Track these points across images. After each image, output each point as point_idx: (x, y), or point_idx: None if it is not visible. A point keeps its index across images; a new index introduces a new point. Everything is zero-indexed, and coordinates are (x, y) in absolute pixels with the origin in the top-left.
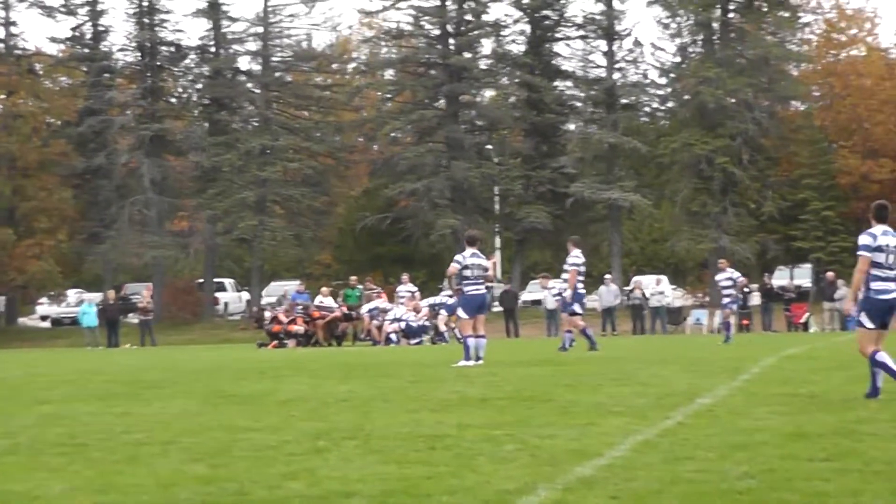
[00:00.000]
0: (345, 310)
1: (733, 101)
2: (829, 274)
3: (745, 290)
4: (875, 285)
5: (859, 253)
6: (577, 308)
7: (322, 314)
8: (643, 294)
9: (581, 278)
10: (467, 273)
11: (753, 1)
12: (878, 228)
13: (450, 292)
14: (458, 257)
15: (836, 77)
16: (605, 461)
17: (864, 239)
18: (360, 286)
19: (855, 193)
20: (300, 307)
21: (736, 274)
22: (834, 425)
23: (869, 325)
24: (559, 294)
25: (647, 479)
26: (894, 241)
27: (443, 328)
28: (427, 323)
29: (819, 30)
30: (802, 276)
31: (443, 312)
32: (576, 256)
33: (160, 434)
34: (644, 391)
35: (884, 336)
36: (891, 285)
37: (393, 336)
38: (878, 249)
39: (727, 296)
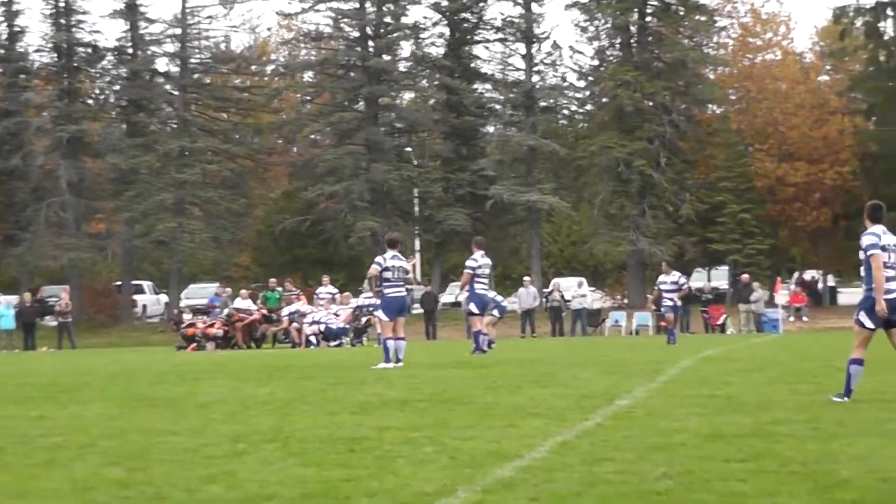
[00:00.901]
0: (265, 312)
1: (651, 104)
2: (745, 276)
3: (708, 293)
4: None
5: (872, 252)
6: (473, 308)
7: (241, 316)
8: (562, 296)
9: (484, 280)
10: (388, 275)
11: (670, 5)
12: (878, 228)
13: (370, 294)
14: (378, 259)
15: (752, 80)
16: (525, 463)
17: (870, 239)
18: (280, 288)
19: (771, 196)
20: (224, 313)
21: (683, 279)
22: (751, 426)
23: (868, 324)
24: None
25: (566, 481)
26: (894, 239)
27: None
28: (347, 325)
29: (735, 34)
30: (719, 278)
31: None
32: (473, 259)
33: (77, 438)
34: (564, 393)
35: None
36: (893, 284)
37: (312, 338)
38: (883, 248)
39: (671, 298)
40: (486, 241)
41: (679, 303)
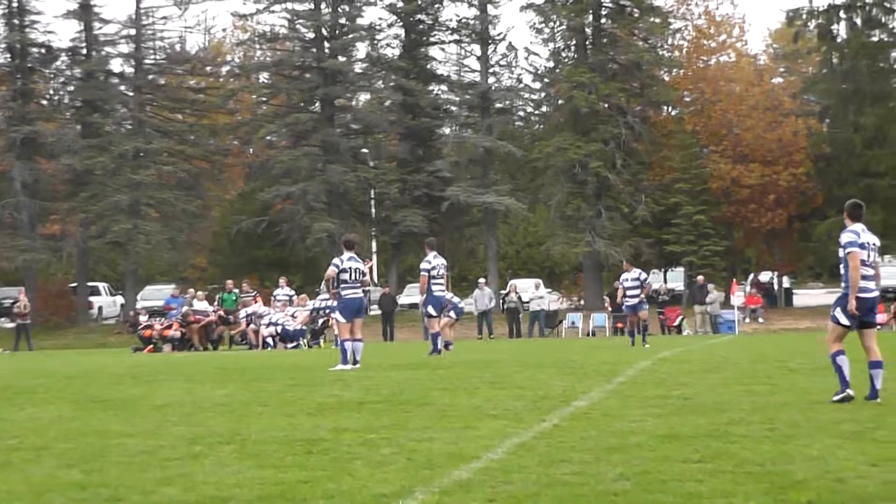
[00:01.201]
0: (221, 313)
1: (606, 105)
2: (699, 277)
3: (664, 295)
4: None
5: (850, 250)
6: (430, 310)
7: (197, 318)
8: (519, 297)
9: (440, 281)
10: (345, 276)
11: (625, 7)
12: (857, 226)
13: (327, 296)
14: (335, 261)
15: (706, 82)
16: (482, 464)
17: (849, 237)
18: (237, 290)
19: (726, 198)
20: (177, 313)
21: (644, 275)
22: (706, 427)
23: (844, 321)
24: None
25: (523, 482)
26: (872, 238)
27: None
28: (304, 327)
29: (689, 36)
30: (675, 280)
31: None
32: (427, 261)
33: (33, 440)
34: (520, 394)
35: (872, 335)
36: (871, 284)
37: (269, 340)
38: (862, 246)
39: (633, 296)
40: (438, 241)
41: (644, 298)
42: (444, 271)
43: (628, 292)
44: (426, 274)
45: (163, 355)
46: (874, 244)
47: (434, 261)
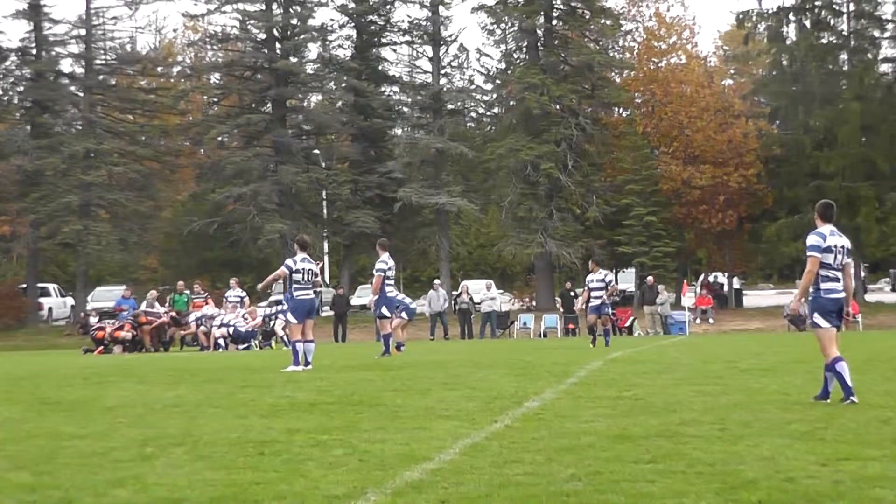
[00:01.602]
0: (173, 314)
1: (558, 107)
2: (650, 278)
3: (615, 295)
4: (824, 286)
5: (809, 254)
6: (384, 311)
7: (149, 320)
8: (471, 298)
9: (391, 282)
10: (297, 277)
11: (576, 9)
12: (825, 228)
13: (280, 297)
14: (288, 261)
15: (657, 84)
16: (435, 465)
17: (813, 239)
18: (188, 291)
19: (677, 199)
20: (128, 313)
21: (609, 277)
22: (658, 428)
23: (825, 324)
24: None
25: (475, 483)
26: (841, 241)
27: (280, 332)
28: (255, 329)
29: (640, 37)
30: (627, 281)
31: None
32: (382, 262)
33: None
34: (473, 395)
35: (836, 337)
36: (838, 285)
37: (221, 341)
38: (827, 250)
39: (597, 297)
40: (390, 242)
41: (608, 301)
42: (394, 272)
43: (593, 293)
44: (381, 274)
45: (113, 356)
46: (842, 247)
47: (389, 261)
